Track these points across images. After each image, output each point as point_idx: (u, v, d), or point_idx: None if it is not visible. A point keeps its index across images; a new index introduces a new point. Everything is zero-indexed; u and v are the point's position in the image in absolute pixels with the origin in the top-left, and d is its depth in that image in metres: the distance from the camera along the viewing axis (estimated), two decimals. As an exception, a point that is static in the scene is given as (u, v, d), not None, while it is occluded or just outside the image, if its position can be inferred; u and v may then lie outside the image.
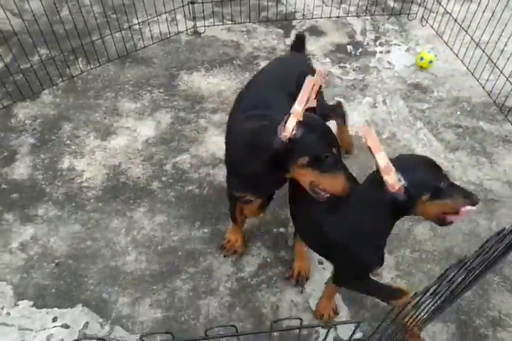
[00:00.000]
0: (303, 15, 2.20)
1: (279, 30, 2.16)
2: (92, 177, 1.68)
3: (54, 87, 1.91)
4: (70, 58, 1.99)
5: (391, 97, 1.91)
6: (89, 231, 1.54)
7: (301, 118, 1.00)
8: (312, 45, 2.09)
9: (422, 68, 1.98)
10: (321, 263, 1.46)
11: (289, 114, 1.00)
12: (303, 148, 1.01)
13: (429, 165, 1.01)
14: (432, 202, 0.97)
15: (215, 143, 1.76)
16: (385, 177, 0.94)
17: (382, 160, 0.94)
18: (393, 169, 0.94)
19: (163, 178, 1.66)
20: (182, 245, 1.51)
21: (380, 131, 1.80)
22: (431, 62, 1.97)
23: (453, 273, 0.72)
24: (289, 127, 0.99)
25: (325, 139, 1.04)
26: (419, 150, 1.76)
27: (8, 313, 1.37)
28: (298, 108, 1.00)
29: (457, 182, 1.60)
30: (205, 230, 1.54)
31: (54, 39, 1.90)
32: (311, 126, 1.03)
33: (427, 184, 0.97)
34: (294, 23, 2.18)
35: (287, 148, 1.02)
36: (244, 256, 1.48)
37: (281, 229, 1.54)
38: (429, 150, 1.75)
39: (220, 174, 1.67)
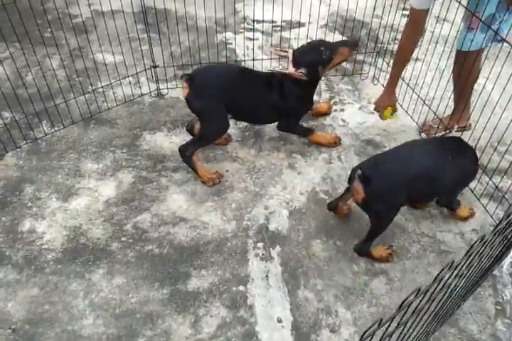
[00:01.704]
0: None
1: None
2: (52, 239, 1.93)
3: (18, 150, 2.23)
4: (34, 121, 2.34)
5: (345, 153, 2.31)
6: (47, 295, 1.75)
7: None
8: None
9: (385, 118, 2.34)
10: (280, 321, 1.69)
11: None
12: None
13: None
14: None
15: (176, 202, 2.07)
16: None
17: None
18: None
19: (123, 238, 1.93)
20: (140, 307, 1.73)
21: (336, 186, 2.16)
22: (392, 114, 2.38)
23: (447, 276, 0.95)
24: None
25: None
26: (374, 204, 2.10)
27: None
28: None
29: (411, 235, 1.98)
30: (164, 291, 1.77)
31: (18, 103, 2.25)
32: None
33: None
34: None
35: None
36: (202, 317, 1.71)
37: (241, 288, 1.79)
38: (383, 203, 2.10)
39: (180, 232, 1.96)
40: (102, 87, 2.47)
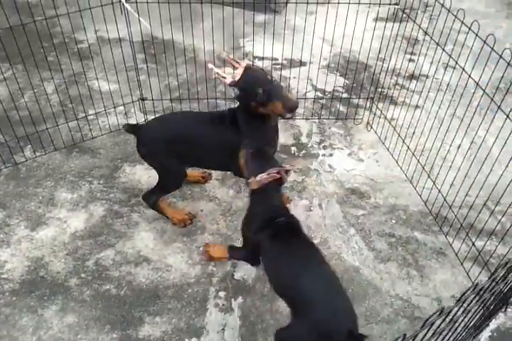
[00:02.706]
0: (254, 114, 2.73)
1: (228, 127, 2.66)
2: (12, 268, 1.96)
3: (-3, 173, 2.33)
4: (17, 145, 2.42)
5: (327, 201, 2.30)
6: (-5, 329, 1.77)
7: None
8: (257, 144, 2.56)
9: None
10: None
11: None
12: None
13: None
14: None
15: (143, 240, 2.08)
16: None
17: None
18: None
19: (83, 275, 1.94)
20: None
21: (312, 235, 2.14)
22: None
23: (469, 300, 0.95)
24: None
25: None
26: (349, 259, 2.06)
27: None
28: None
29: (384, 296, 1.93)
30: (114, 335, 1.76)
31: (6, 125, 2.34)
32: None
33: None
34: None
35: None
36: (149, 367, 1.67)
37: (193, 340, 1.76)
38: (359, 260, 2.06)
39: (141, 273, 1.96)
40: (91, 115, 2.55)
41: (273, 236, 1.62)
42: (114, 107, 2.58)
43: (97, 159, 2.42)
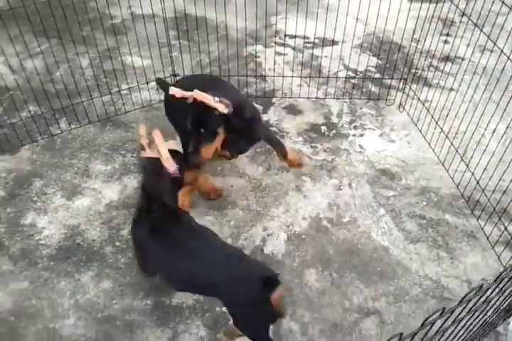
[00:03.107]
0: (283, 93, 2.70)
1: (257, 106, 2.61)
2: (50, 235, 2.01)
3: (34, 144, 2.36)
4: (53, 117, 2.45)
5: (357, 181, 2.27)
6: (36, 290, 1.83)
7: None
8: (288, 123, 2.54)
9: None
10: None
11: None
12: None
13: (176, 151, 1.66)
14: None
15: (176, 212, 2.11)
16: (166, 164, 1.57)
17: (165, 151, 1.58)
18: (170, 157, 1.56)
19: (117, 243, 1.99)
20: (122, 315, 1.77)
21: (342, 214, 2.13)
22: None
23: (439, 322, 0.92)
24: None
25: None
26: (379, 238, 2.05)
27: None
28: None
29: (413, 276, 1.92)
30: (148, 301, 1.81)
31: (42, 97, 2.37)
32: None
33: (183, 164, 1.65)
34: (274, 100, 2.66)
35: None
36: (181, 333, 1.72)
37: (224, 309, 1.79)
38: (388, 240, 2.05)
39: (174, 244, 1.99)
40: (124, 89, 2.56)
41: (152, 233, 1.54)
42: (147, 82, 2.57)
43: (130, 133, 2.44)
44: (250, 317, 1.46)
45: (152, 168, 1.57)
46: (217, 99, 1.74)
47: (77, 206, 2.10)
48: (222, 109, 1.74)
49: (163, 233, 1.53)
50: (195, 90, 1.72)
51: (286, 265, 1.93)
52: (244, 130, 1.88)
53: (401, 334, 0.84)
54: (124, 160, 2.30)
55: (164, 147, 1.57)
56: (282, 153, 2.17)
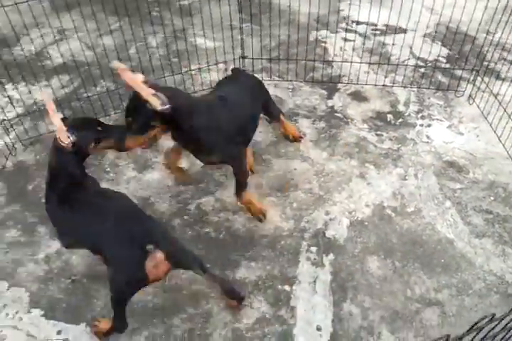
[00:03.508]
0: (349, 79, 2.65)
1: (323, 91, 2.60)
2: (121, 205, 2.10)
3: (107, 117, 2.45)
4: (126, 93, 2.52)
5: (423, 172, 2.21)
6: (107, 256, 1.91)
7: None
8: (353, 110, 2.50)
9: None
10: (319, 329, 1.69)
11: None
12: None
13: (89, 124, 1.63)
14: (97, 146, 1.63)
15: (240, 191, 2.13)
16: (59, 135, 1.52)
17: (57, 122, 1.51)
18: (64, 129, 1.52)
19: (185, 217, 2.04)
20: (188, 284, 1.83)
21: (406, 204, 2.08)
22: None
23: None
24: None
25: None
26: (444, 230, 2.00)
27: (21, 318, 1.74)
28: None
29: (477, 270, 1.85)
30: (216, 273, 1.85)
31: (117, 73, 2.44)
32: None
33: (88, 137, 1.59)
34: (339, 86, 2.62)
35: None
36: (244, 307, 1.75)
37: (286, 287, 1.82)
38: (453, 232, 1.99)
39: (238, 221, 2.02)
40: (193, 70, 2.60)
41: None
42: (215, 64, 2.59)
43: (197, 112, 2.51)
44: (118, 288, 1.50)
45: (54, 139, 1.57)
46: (152, 91, 1.59)
47: (147, 179, 2.17)
48: (155, 103, 1.58)
49: (70, 201, 1.56)
50: (127, 71, 1.60)
51: (347, 250, 1.93)
52: (189, 136, 1.75)
53: (448, 336, 0.81)
54: (192, 138, 2.37)
55: (56, 117, 1.51)
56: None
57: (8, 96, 2.47)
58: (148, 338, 1.68)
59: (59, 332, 1.71)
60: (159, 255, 1.44)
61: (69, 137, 1.52)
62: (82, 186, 1.60)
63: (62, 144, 1.52)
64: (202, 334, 1.70)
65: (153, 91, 1.59)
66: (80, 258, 1.90)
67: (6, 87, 2.58)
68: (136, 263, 1.44)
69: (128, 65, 2.52)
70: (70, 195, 1.57)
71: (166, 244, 1.48)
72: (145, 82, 1.60)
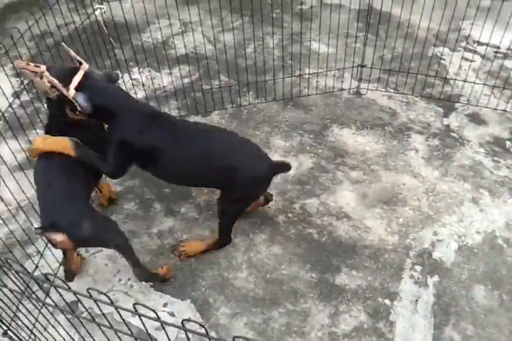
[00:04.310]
0: (468, 100, 2.55)
1: (439, 108, 2.52)
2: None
3: (224, 110, 2.55)
4: (243, 89, 2.63)
5: (545, 207, 2.07)
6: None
7: None
8: (470, 132, 2.40)
9: None
10: None
11: None
12: None
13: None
14: None
15: (345, 198, 2.13)
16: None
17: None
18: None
19: (290, 214, 2.08)
20: (288, 280, 1.86)
21: (524, 238, 1.96)
22: None
23: None
24: None
25: None
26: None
27: (132, 286, 1.87)
28: None
29: None
30: (313, 275, 1.87)
31: (235, 70, 2.56)
32: None
33: None
34: (456, 105, 2.53)
35: None
36: (342, 313, 1.76)
37: (387, 301, 1.79)
38: None
39: (341, 227, 2.02)
40: (307, 74, 2.64)
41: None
42: (329, 70, 2.60)
43: (308, 115, 2.51)
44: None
45: None
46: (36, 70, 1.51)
47: (256, 173, 2.26)
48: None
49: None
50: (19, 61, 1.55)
51: (453, 274, 1.85)
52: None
53: None
54: (302, 140, 2.38)
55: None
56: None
57: (133, 79, 2.67)
58: (247, 325, 1.74)
59: (165, 305, 1.81)
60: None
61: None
62: None
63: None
64: (298, 331, 1.72)
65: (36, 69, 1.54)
66: (189, 239, 1.98)
67: (133, 70, 2.79)
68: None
69: (244, 63, 2.67)
70: None
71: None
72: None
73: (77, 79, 1.55)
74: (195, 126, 1.76)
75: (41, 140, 1.65)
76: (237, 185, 1.68)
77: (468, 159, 2.24)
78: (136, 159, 1.69)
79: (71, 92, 1.55)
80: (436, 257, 1.91)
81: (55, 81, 1.54)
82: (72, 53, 1.65)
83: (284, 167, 1.81)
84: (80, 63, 1.62)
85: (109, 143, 1.66)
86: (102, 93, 1.62)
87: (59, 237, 1.57)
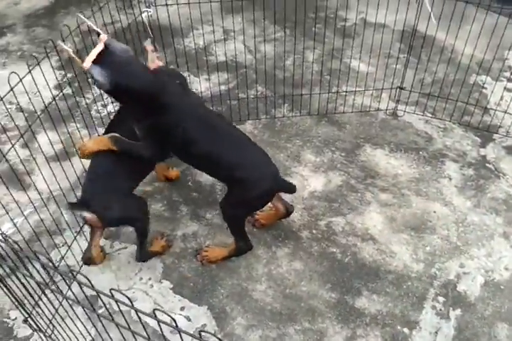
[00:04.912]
0: (507, 132, 2.50)
1: (476, 138, 2.48)
2: (253, 204, 2.18)
3: (257, 121, 2.57)
4: (278, 101, 2.64)
5: None
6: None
7: None
8: (507, 164, 2.34)
9: None
10: None
11: None
12: None
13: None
14: None
15: (372, 220, 2.10)
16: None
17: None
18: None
19: (314, 231, 2.07)
20: (307, 298, 1.85)
21: (550, 277, 1.90)
22: None
23: None
24: None
25: None
26: None
27: (152, 285, 1.89)
28: None
29: None
30: (333, 295, 1.85)
31: (272, 81, 2.58)
32: None
33: None
34: (494, 136, 2.48)
35: None
36: (358, 337, 1.72)
37: (405, 330, 1.75)
38: None
39: (366, 249, 1.99)
40: (344, 91, 2.64)
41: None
42: (367, 90, 2.59)
43: (341, 133, 2.50)
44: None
45: None
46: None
47: (284, 186, 2.27)
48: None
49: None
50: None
51: (477, 310, 1.80)
52: None
53: None
54: (333, 157, 2.37)
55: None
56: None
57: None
58: (261, 338, 1.73)
59: (182, 308, 1.82)
60: None
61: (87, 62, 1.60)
62: None
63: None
64: (313, 351, 1.71)
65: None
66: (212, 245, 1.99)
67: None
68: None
69: (281, 75, 2.68)
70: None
71: None
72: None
73: (95, 51, 1.43)
74: (211, 113, 1.81)
75: (85, 144, 1.74)
76: (239, 189, 1.73)
77: (502, 192, 2.19)
78: (166, 139, 1.69)
79: (86, 64, 1.43)
80: (461, 290, 1.86)
81: (70, 51, 1.44)
82: (89, 23, 1.53)
83: (289, 187, 1.87)
84: (99, 34, 1.49)
85: (140, 130, 1.68)
86: (120, 69, 1.46)
87: (88, 216, 1.73)
